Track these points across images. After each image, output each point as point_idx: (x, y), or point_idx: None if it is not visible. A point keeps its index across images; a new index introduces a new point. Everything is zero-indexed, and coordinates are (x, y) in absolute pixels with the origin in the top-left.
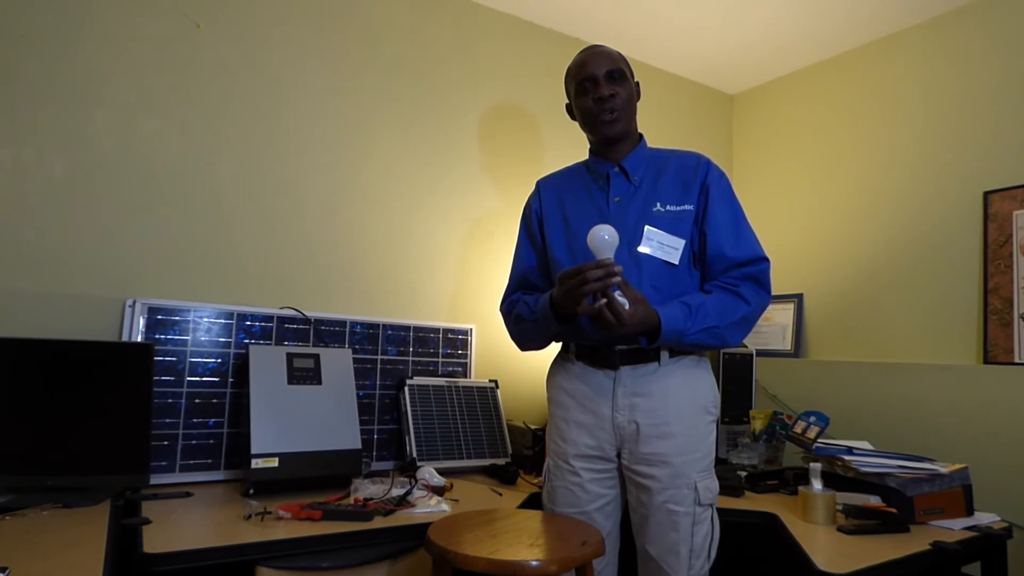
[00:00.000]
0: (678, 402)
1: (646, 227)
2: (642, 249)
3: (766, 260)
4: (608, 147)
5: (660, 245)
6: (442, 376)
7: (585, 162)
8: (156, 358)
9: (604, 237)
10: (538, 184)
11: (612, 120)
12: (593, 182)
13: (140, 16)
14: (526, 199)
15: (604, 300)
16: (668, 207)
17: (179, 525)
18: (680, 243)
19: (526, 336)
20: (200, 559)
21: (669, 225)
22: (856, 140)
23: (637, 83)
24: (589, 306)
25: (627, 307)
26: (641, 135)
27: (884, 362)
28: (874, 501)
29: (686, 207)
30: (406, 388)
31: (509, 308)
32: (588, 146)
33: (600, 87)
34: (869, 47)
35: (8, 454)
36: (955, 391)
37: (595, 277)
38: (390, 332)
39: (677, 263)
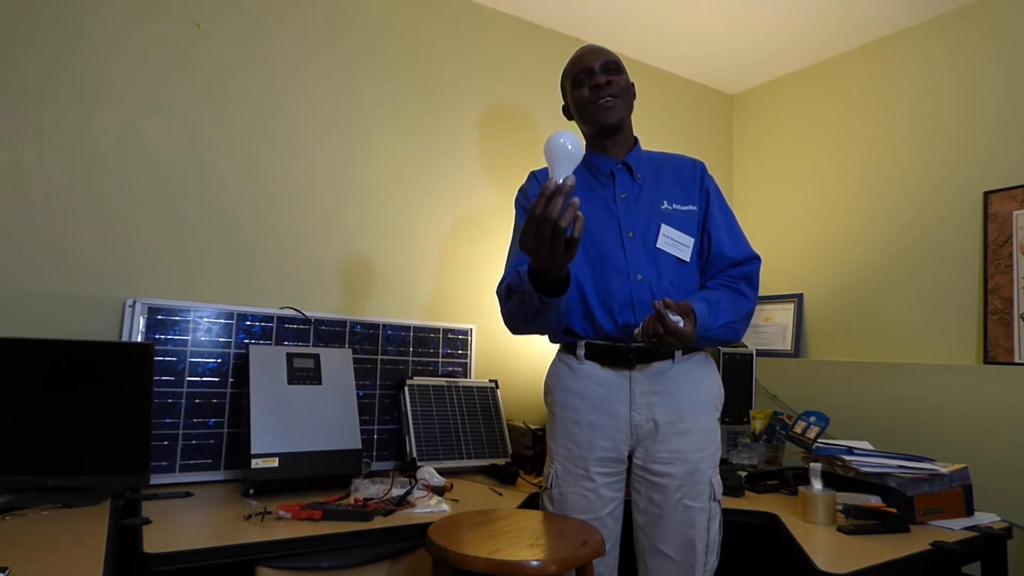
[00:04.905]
0: (693, 399)
1: (662, 224)
2: (660, 246)
3: (759, 259)
4: (606, 139)
5: (674, 243)
6: (442, 376)
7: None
8: (156, 358)
9: (566, 146)
10: (534, 173)
11: (611, 106)
12: (594, 178)
13: (140, 16)
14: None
15: (661, 330)
16: (675, 206)
17: (179, 525)
18: (690, 240)
19: (513, 312)
20: (200, 559)
21: (679, 223)
22: (856, 140)
23: (632, 83)
24: (646, 338)
25: (681, 324)
26: (636, 137)
27: (884, 362)
28: (874, 501)
29: (691, 207)
30: (406, 388)
31: (507, 283)
32: (584, 145)
33: (596, 76)
34: (869, 47)
35: (8, 454)
36: (955, 391)
37: (553, 212)
38: (390, 332)
39: (688, 260)
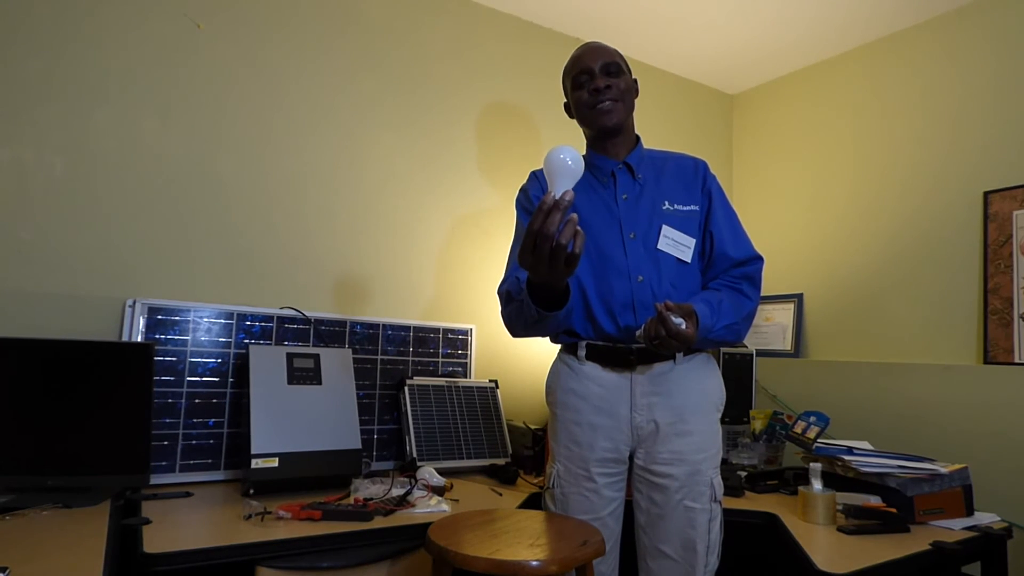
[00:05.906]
0: (695, 399)
1: (663, 225)
2: (661, 247)
3: (761, 259)
4: (607, 140)
5: (675, 244)
6: (442, 376)
7: (583, 158)
8: (156, 358)
9: (566, 161)
10: (535, 173)
11: (609, 110)
12: (595, 179)
13: (140, 16)
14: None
15: (663, 332)
16: (676, 206)
17: (179, 525)
18: (692, 241)
19: (512, 318)
20: (200, 559)
21: (680, 224)
22: (856, 140)
23: (635, 80)
24: (647, 340)
25: (683, 326)
26: (638, 136)
27: (884, 362)
28: (874, 501)
29: (692, 207)
30: (406, 388)
31: (507, 289)
32: (586, 145)
33: (596, 79)
34: (869, 47)
35: (8, 454)
36: (955, 391)
37: (551, 228)
38: (390, 332)
39: (689, 261)
